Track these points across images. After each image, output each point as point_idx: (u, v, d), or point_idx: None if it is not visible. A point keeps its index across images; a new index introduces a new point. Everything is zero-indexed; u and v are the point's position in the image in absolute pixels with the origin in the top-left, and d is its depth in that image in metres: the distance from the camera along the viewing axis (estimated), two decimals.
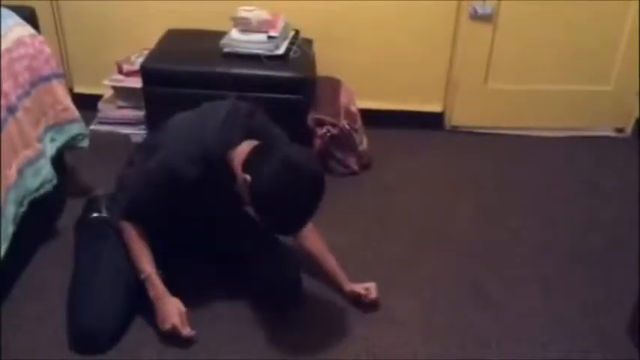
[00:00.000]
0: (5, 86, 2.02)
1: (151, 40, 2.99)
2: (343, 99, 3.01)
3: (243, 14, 2.81)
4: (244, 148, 1.87)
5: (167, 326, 1.91)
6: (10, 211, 1.98)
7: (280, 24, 2.85)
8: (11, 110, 2.03)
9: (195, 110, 2.08)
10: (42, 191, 2.18)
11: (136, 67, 2.94)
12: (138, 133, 3.07)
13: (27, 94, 2.15)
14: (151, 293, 1.95)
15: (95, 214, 2.19)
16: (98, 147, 2.73)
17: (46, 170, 2.20)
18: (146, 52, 2.96)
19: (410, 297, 2.19)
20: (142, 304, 2.07)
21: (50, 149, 2.29)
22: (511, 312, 2.17)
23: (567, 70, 3.28)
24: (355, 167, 2.93)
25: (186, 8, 3.12)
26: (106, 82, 3.07)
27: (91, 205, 2.25)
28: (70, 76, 3.27)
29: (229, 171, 1.87)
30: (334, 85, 3.10)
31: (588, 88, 3.33)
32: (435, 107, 3.41)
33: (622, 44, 3.20)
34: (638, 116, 3.39)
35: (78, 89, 3.25)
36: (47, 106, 2.29)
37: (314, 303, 2.15)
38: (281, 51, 2.81)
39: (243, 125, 1.94)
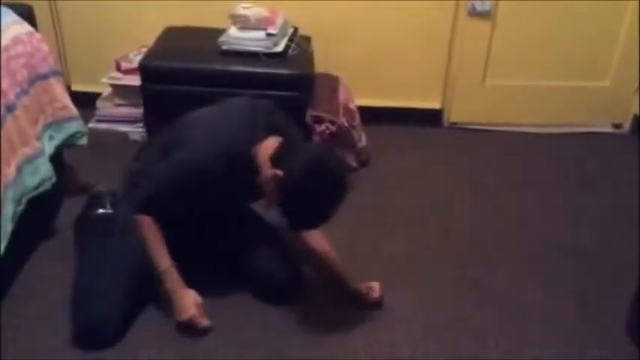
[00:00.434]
0: (3, 84, 2.01)
1: (150, 37, 2.99)
2: (341, 96, 3.01)
3: (242, 11, 2.81)
4: (270, 144, 1.91)
5: (185, 317, 1.94)
6: (9, 209, 1.97)
7: (279, 21, 2.84)
8: (10, 108, 2.03)
9: (216, 107, 2.10)
10: (41, 189, 2.18)
11: (135, 64, 2.94)
12: (136, 131, 3.07)
13: (25, 92, 2.15)
14: (168, 286, 1.96)
15: (100, 210, 2.20)
16: (96, 145, 2.72)
17: (44, 168, 2.20)
18: (144, 50, 2.95)
19: (408, 294, 2.19)
20: (143, 303, 2.08)
21: (49, 147, 2.29)
22: (509, 309, 2.17)
23: (565, 66, 3.28)
24: (354, 164, 2.93)
25: (185, 6, 3.12)
26: (105, 79, 3.06)
27: (94, 201, 2.26)
28: (67, 74, 3.26)
29: (252, 166, 1.90)
30: (332, 82, 3.10)
31: (586, 84, 3.33)
32: (434, 104, 3.41)
33: (620, 40, 3.20)
34: (636, 112, 3.39)
35: (76, 87, 3.25)
36: (45, 104, 2.28)
37: (312, 301, 2.15)
38: (280, 48, 2.81)
39: (266, 122, 1.98)
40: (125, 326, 1.98)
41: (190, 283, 2.02)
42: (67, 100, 2.40)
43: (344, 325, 2.06)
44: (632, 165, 3.02)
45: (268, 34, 2.79)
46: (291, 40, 2.91)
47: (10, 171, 1.99)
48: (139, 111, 3.00)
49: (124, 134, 3.09)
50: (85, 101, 2.92)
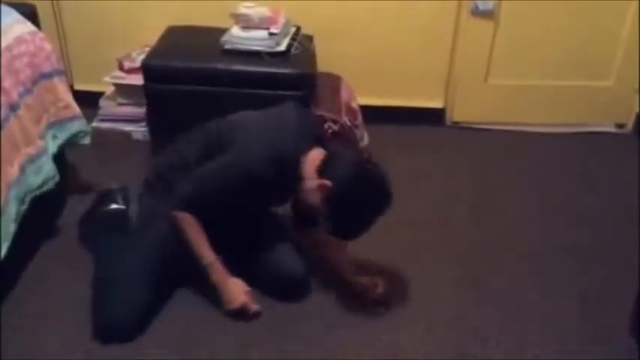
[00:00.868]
0: (6, 84, 2.02)
1: (152, 37, 2.99)
2: (344, 95, 3.01)
3: (244, 11, 2.81)
4: (315, 155, 2.00)
5: (236, 305, 2.01)
6: (12, 209, 1.98)
7: (281, 20, 2.84)
8: (13, 108, 2.03)
9: (263, 113, 2.16)
10: (44, 189, 2.18)
11: (137, 64, 2.94)
12: (139, 130, 3.08)
13: (28, 91, 2.15)
14: (215, 277, 2.02)
15: (113, 206, 2.23)
16: (99, 144, 2.73)
17: (47, 167, 2.20)
18: (147, 49, 2.95)
19: (410, 293, 2.19)
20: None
21: (52, 146, 2.29)
22: (511, 308, 2.17)
23: (568, 65, 3.28)
24: None
25: (187, 5, 3.12)
26: (107, 79, 3.07)
27: (105, 197, 2.28)
28: (70, 73, 3.27)
29: (297, 174, 1.99)
30: (335, 81, 3.10)
31: (589, 83, 3.33)
32: (436, 103, 3.41)
33: (622, 40, 3.20)
34: (638, 112, 3.39)
35: (78, 86, 3.25)
36: (49, 103, 2.29)
37: (315, 300, 2.15)
38: (282, 47, 2.81)
39: (314, 132, 2.11)
40: (146, 321, 2.00)
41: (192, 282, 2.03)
42: (70, 100, 2.41)
43: (346, 324, 2.07)
44: (635, 164, 3.02)
45: (270, 34, 2.79)
46: (293, 39, 2.91)
47: (13, 170, 2.00)
48: (141, 110, 3.01)
49: (127, 133, 3.10)
50: (88, 100, 2.93)
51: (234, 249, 2.14)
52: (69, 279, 2.18)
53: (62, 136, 2.38)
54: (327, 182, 1.93)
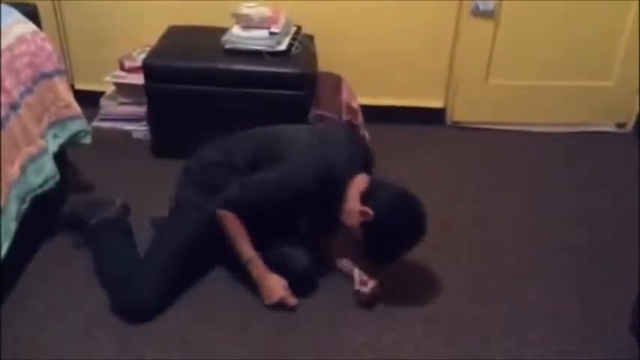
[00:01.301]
0: (7, 83, 2.02)
1: (153, 36, 2.99)
2: (344, 95, 3.01)
3: (245, 11, 2.81)
4: (361, 180, 2.08)
5: (275, 299, 2.07)
6: (13, 208, 1.98)
7: (282, 20, 2.85)
8: (14, 107, 2.03)
9: (314, 131, 2.30)
10: (45, 188, 2.18)
11: (138, 63, 2.94)
12: (140, 130, 3.08)
13: (29, 90, 2.15)
14: (255, 273, 2.09)
15: (95, 219, 2.30)
16: (100, 143, 2.73)
17: (48, 167, 2.20)
18: (148, 49, 2.96)
19: (410, 293, 2.19)
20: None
21: (53, 146, 2.30)
22: (511, 307, 2.17)
23: (568, 65, 3.28)
24: None
25: (188, 5, 3.12)
26: (108, 78, 3.07)
27: (75, 216, 2.34)
28: (71, 72, 3.27)
29: (341, 195, 2.07)
30: (335, 81, 3.10)
31: (589, 83, 3.33)
32: (437, 103, 3.41)
33: (623, 40, 3.20)
34: (639, 111, 3.39)
35: (79, 86, 3.25)
36: (49, 102, 2.29)
37: (316, 300, 2.16)
38: (283, 47, 2.81)
39: (363, 158, 2.19)
40: (167, 303, 2.07)
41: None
42: (70, 99, 2.41)
43: (347, 324, 2.07)
44: (635, 164, 3.02)
45: (271, 33, 2.79)
46: (294, 38, 2.91)
47: (14, 170, 2.00)
48: (142, 109, 3.01)
49: (128, 133, 3.10)
50: (89, 100, 2.93)
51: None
52: (69, 278, 2.19)
53: (63, 136, 2.38)
54: (369, 210, 2.00)
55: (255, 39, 2.80)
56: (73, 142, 2.45)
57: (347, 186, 2.07)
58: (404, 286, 2.22)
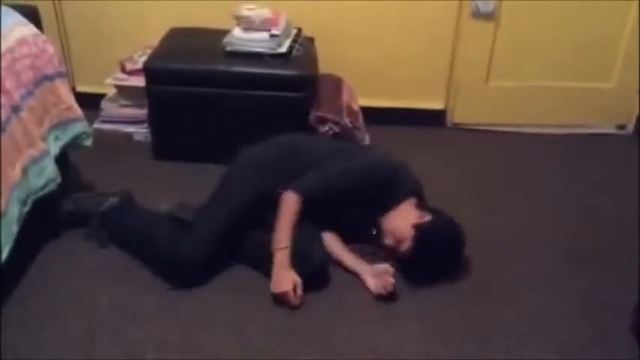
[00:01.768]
0: (9, 86, 2.02)
1: (154, 38, 3.00)
2: (345, 96, 3.02)
3: (246, 13, 2.82)
4: (413, 199, 2.29)
5: (278, 291, 2.10)
6: (15, 210, 1.98)
7: (282, 22, 2.85)
8: (15, 110, 2.04)
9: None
10: (46, 190, 2.19)
11: (139, 65, 2.95)
12: (141, 132, 3.08)
13: (30, 93, 2.16)
14: (277, 260, 2.14)
15: (104, 206, 2.36)
16: (101, 146, 2.73)
17: (50, 169, 2.21)
18: (149, 51, 2.96)
19: (411, 294, 2.20)
20: (148, 306, 2.09)
21: (54, 148, 2.30)
22: (512, 308, 2.18)
23: (569, 67, 3.28)
24: None
25: (189, 7, 3.13)
26: (109, 80, 3.08)
27: (79, 210, 2.38)
28: (72, 75, 3.28)
29: (390, 206, 2.26)
30: (336, 82, 3.10)
31: (590, 85, 3.34)
32: (437, 104, 3.42)
33: (623, 41, 3.20)
34: (639, 113, 3.39)
35: (80, 88, 3.26)
36: (51, 105, 2.29)
37: (317, 301, 2.16)
38: (283, 49, 2.82)
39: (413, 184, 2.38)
40: (211, 269, 2.19)
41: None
42: (72, 101, 2.41)
43: (347, 324, 2.07)
44: (636, 166, 3.02)
45: (272, 35, 2.79)
46: (294, 41, 2.92)
47: (15, 172, 2.00)
48: (143, 112, 3.02)
49: (129, 135, 3.10)
50: (90, 102, 2.94)
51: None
52: (70, 279, 2.19)
53: (64, 138, 2.38)
54: (426, 215, 2.21)
55: (256, 41, 2.80)
56: (74, 144, 2.46)
57: (402, 197, 2.26)
58: (404, 287, 2.22)
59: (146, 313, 2.07)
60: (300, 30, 3.02)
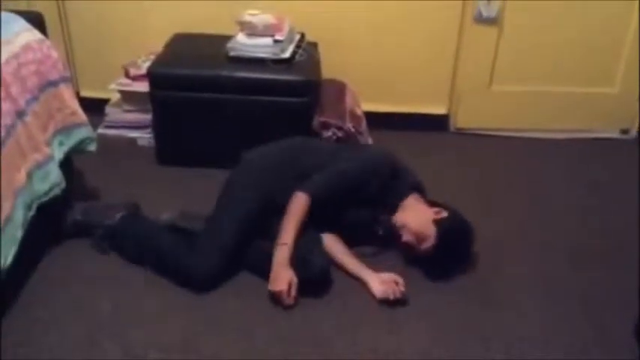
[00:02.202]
0: (14, 91, 2.03)
1: (158, 44, 3.01)
2: (348, 101, 3.02)
3: (249, 18, 2.83)
4: (417, 194, 2.38)
5: (272, 289, 2.11)
6: (19, 215, 1.99)
7: (286, 28, 2.86)
8: (20, 115, 2.05)
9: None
10: (50, 195, 2.19)
11: (143, 71, 2.96)
12: (145, 137, 3.09)
13: (35, 98, 2.17)
14: (278, 257, 2.15)
15: (114, 219, 2.35)
16: (105, 151, 2.74)
17: (54, 174, 2.21)
18: (153, 57, 2.97)
19: (413, 296, 2.19)
20: (149, 309, 2.10)
21: (58, 153, 2.30)
22: (513, 310, 2.18)
23: (572, 72, 3.28)
24: None
25: (193, 13, 3.14)
26: (113, 86, 3.09)
27: (87, 222, 2.38)
28: (76, 80, 3.29)
29: (400, 194, 2.34)
30: (339, 87, 3.11)
31: (593, 90, 3.34)
32: (440, 109, 3.42)
33: (626, 46, 3.21)
34: None
35: (85, 93, 3.27)
36: (55, 110, 2.30)
37: (319, 303, 2.16)
38: (287, 54, 2.82)
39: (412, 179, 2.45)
40: (226, 272, 2.22)
41: None
42: (76, 106, 2.42)
43: (348, 326, 2.07)
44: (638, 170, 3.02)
45: (275, 41, 2.80)
46: (298, 46, 2.92)
47: (20, 177, 2.01)
48: (147, 117, 3.03)
49: (133, 140, 3.11)
50: (94, 107, 2.95)
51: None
52: (72, 285, 2.19)
53: (68, 143, 2.39)
54: (442, 210, 2.28)
55: (260, 46, 2.81)
56: (78, 149, 2.46)
57: (406, 192, 2.34)
58: (406, 289, 2.22)
59: (148, 317, 2.08)
60: (303, 35, 3.03)
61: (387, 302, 2.15)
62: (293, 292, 2.10)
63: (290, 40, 2.90)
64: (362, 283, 2.24)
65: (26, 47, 2.18)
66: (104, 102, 3.18)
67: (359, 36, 3.21)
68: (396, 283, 2.17)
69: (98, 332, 2.00)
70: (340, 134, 2.84)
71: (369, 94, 3.22)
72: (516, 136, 3.38)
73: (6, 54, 2.06)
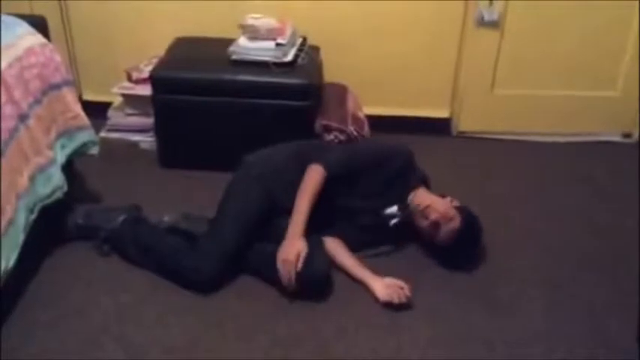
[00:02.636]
0: (17, 95, 2.04)
1: (160, 47, 3.02)
2: (350, 105, 3.02)
3: (251, 22, 2.83)
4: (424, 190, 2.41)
5: (283, 257, 2.13)
6: (21, 218, 2.00)
7: (288, 31, 2.86)
8: (23, 118, 2.05)
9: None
10: (52, 198, 2.20)
11: (145, 74, 2.96)
12: (147, 140, 3.09)
13: (38, 102, 2.17)
14: (292, 227, 2.18)
15: (116, 222, 2.35)
16: (107, 154, 2.75)
17: (56, 177, 2.22)
18: (155, 60, 2.98)
19: (416, 300, 2.19)
20: (152, 311, 2.10)
21: (61, 156, 2.31)
22: (517, 315, 2.17)
23: (574, 75, 3.28)
24: None
25: (195, 16, 3.15)
26: (116, 89, 3.09)
27: (89, 225, 2.38)
28: (79, 83, 3.29)
29: (411, 184, 2.39)
30: (341, 91, 3.11)
31: (595, 93, 3.33)
32: (442, 113, 3.42)
33: (628, 50, 3.20)
34: None
35: (87, 97, 3.27)
36: (58, 113, 2.31)
37: (320, 306, 2.16)
38: (289, 58, 2.83)
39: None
40: (230, 270, 2.22)
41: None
42: (78, 110, 2.43)
43: (352, 330, 2.07)
44: None
45: (278, 44, 2.81)
46: (300, 49, 2.93)
47: (23, 180, 2.01)
48: (149, 120, 3.03)
49: (135, 143, 3.11)
50: (96, 111, 2.95)
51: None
52: (76, 287, 2.20)
53: (71, 146, 2.40)
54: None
55: (262, 50, 2.81)
56: (80, 152, 2.47)
57: (415, 184, 2.38)
58: (409, 295, 2.22)
59: (149, 319, 2.08)
60: (305, 39, 3.04)
61: (390, 306, 2.15)
62: (299, 265, 2.11)
63: (292, 43, 2.90)
64: (364, 286, 2.23)
65: (29, 51, 2.20)
66: (107, 105, 3.18)
67: (361, 40, 3.21)
68: (401, 288, 2.17)
69: (100, 334, 2.01)
70: (342, 137, 2.84)
71: (371, 97, 3.23)
72: (518, 140, 3.38)
73: (9, 57, 2.07)
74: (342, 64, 3.19)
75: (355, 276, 2.27)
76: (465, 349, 2.02)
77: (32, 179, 2.08)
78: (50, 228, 2.30)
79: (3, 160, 1.90)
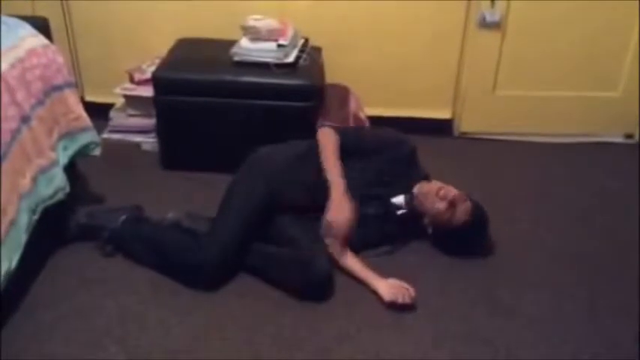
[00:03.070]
0: (19, 96, 2.04)
1: (162, 49, 3.02)
2: (352, 106, 3.03)
3: (253, 23, 2.83)
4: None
5: (340, 215, 2.23)
6: (24, 219, 2.00)
7: (290, 32, 2.87)
8: (25, 120, 2.06)
9: None
10: (55, 199, 2.20)
11: (147, 75, 2.97)
12: (149, 141, 3.10)
13: (40, 103, 2.18)
14: (334, 194, 2.26)
15: (119, 221, 2.35)
16: (109, 155, 2.75)
17: (59, 178, 2.22)
18: (157, 61, 2.98)
19: (419, 302, 2.19)
20: (155, 313, 2.10)
21: (63, 157, 2.32)
22: (520, 317, 2.17)
23: (575, 76, 3.28)
24: None
25: (197, 17, 3.15)
26: (117, 90, 3.10)
27: (92, 225, 2.37)
28: (81, 85, 3.30)
29: (415, 176, 2.47)
30: (343, 92, 3.12)
31: (597, 94, 3.33)
32: (444, 114, 3.42)
33: (630, 51, 3.20)
34: None
35: (89, 98, 3.28)
36: (60, 114, 2.31)
37: (324, 308, 2.16)
38: (291, 59, 2.83)
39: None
40: (236, 263, 2.24)
41: None
42: (81, 111, 2.43)
43: (355, 332, 2.07)
44: None
45: (279, 45, 2.81)
46: (301, 50, 2.93)
47: (25, 181, 2.02)
48: (151, 121, 3.03)
49: (137, 144, 3.12)
50: (99, 112, 2.96)
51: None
52: (78, 288, 2.20)
53: (73, 147, 2.40)
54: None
55: (264, 51, 2.82)
56: (83, 153, 2.47)
57: (418, 178, 2.44)
58: (412, 297, 2.22)
59: (152, 320, 2.08)
60: (307, 40, 3.04)
61: (394, 306, 2.15)
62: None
63: (294, 44, 2.91)
64: (367, 287, 2.23)
65: (31, 52, 2.20)
66: (109, 107, 3.19)
67: (362, 41, 3.21)
68: (406, 289, 2.17)
69: (102, 336, 2.01)
70: None
71: (373, 98, 3.23)
72: (520, 141, 3.38)
73: (11, 59, 2.07)
74: (344, 65, 3.19)
75: (359, 277, 2.26)
76: (467, 352, 2.02)
77: (34, 180, 2.08)
78: (52, 229, 2.30)
79: (5, 162, 1.90)
